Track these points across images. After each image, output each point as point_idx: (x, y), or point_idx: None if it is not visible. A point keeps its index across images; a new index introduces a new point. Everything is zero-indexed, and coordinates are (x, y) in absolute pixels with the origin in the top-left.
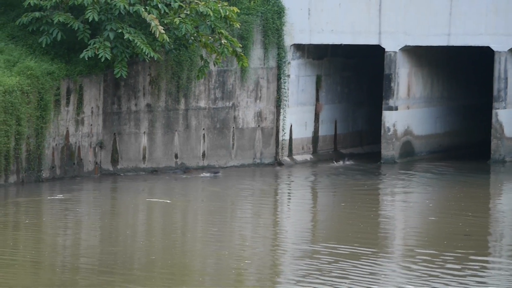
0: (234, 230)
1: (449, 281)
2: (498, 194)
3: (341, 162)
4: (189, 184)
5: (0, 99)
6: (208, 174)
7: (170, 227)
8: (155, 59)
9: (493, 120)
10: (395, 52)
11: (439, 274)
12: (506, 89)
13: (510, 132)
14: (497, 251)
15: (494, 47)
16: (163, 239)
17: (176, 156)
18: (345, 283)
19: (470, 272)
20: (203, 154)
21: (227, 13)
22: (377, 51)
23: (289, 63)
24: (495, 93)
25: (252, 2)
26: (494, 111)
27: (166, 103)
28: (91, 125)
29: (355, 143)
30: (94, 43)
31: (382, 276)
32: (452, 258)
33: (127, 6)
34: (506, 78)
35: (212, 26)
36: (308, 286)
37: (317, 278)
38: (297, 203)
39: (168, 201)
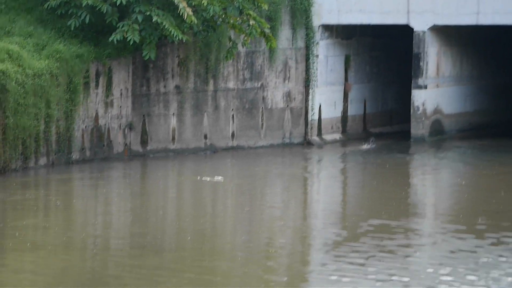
0: (266, 209)
1: (485, 256)
2: None
3: (367, 146)
4: (217, 163)
5: (30, 82)
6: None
7: (203, 207)
8: (184, 41)
9: None
10: (423, 32)
11: (474, 249)
12: None
13: None
14: None
15: None
16: (196, 220)
17: (205, 137)
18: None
19: (505, 247)
20: (232, 135)
21: None
22: (406, 30)
23: (317, 43)
24: None
25: None
26: None
27: (195, 84)
28: (120, 107)
29: (385, 122)
30: (122, 26)
31: (417, 251)
32: (487, 234)
33: None
34: None
35: (240, 8)
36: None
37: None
38: (328, 182)
39: (219, 178)
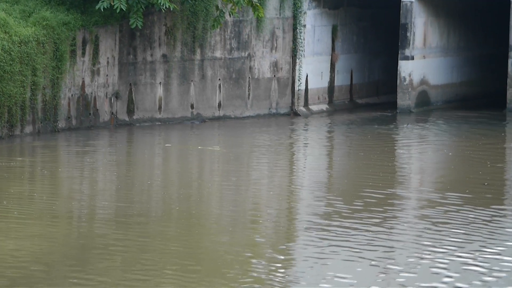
0: (253, 177)
1: (472, 230)
2: None
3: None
4: (204, 133)
5: (16, 49)
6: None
7: (189, 175)
8: (171, 9)
9: (509, 69)
10: (411, 2)
11: (459, 222)
12: None
13: None
14: None
15: None
16: (182, 189)
17: (192, 107)
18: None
19: (494, 219)
20: (219, 104)
21: None
22: (393, 0)
23: (305, 13)
24: (511, 42)
25: None
26: (510, 60)
27: (182, 53)
28: (107, 75)
29: (371, 93)
30: None
31: (403, 224)
32: (475, 205)
33: None
34: None
35: None
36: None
37: (338, 220)
38: (314, 152)
39: (217, 148)
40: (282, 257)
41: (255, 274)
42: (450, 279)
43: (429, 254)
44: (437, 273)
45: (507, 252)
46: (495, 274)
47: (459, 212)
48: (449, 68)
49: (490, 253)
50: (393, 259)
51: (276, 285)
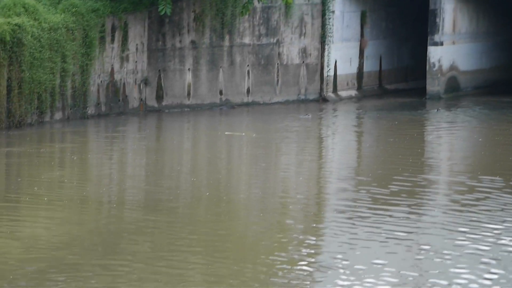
0: (282, 165)
1: (506, 214)
2: None
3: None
4: (232, 119)
5: (46, 36)
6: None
7: (218, 161)
8: None
9: None
10: None
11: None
12: None
13: None
14: None
15: None
16: (211, 175)
17: (220, 93)
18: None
19: None
20: (248, 91)
21: None
22: None
23: None
24: None
25: None
26: None
27: (211, 39)
28: (136, 62)
29: (400, 79)
30: None
31: (435, 208)
32: (506, 191)
33: None
34: None
35: None
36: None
37: (370, 205)
38: (344, 138)
39: (242, 134)
40: (314, 241)
41: (285, 257)
42: (488, 265)
43: (464, 240)
44: (474, 258)
45: None
46: None
47: (491, 197)
48: (478, 53)
49: None
50: (429, 244)
51: (309, 268)
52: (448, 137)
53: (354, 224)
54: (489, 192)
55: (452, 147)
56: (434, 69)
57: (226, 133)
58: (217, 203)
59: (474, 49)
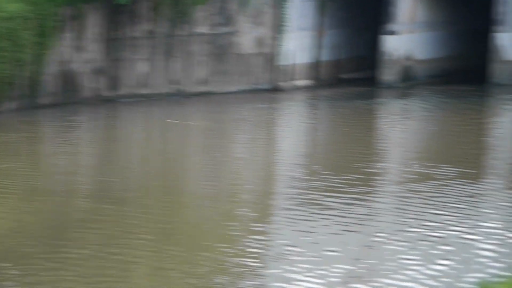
0: (233, 154)
1: (458, 202)
2: (498, 116)
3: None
4: (187, 109)
5: (1, 25)
6: None
7: (170, 151)
8: None
9: (493, 43)
10: None
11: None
12: (507, 13)
13: (510, 55)
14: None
15: None
16: (163, 164)
17: (176, 82)
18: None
19: (479, 192)
20: (203, 80)
21: None
22: None
23: None
24: (493, 16)
25: None
26: (494, 35)
27: (167, 29)
28: (92, 51)
29: (357, 68)
30: None
31: (388, 196)
32: (459, 178)
33: None
34: (508, 2)
35: None
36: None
37: (322, 194)
38: (296, 127)
39: (191, 123)
40: (265, 229)
41: (236, 246)
42: (439, 253)
43: (417, 227)
44: (426, 245)
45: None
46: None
47: (445, 185)
48: (435, 42)
49: (484, 227)
50: (381, 232)
51: (259, 257)
52: (401, 126)
53: (306, 212)
54: (442, 180)
55: (404, 135)
56: (389, 58)
57: (167, 121)
58: (168, 192)
59: (431, 38)
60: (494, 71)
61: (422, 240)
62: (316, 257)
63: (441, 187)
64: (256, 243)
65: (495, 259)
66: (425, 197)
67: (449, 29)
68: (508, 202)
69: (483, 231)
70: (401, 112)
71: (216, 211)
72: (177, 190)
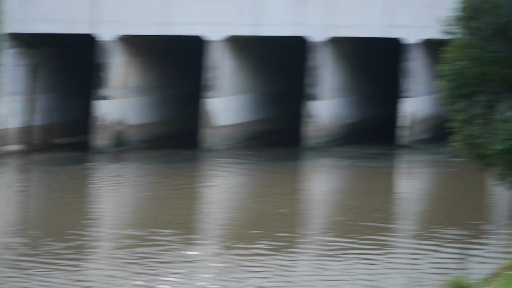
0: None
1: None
2: (209, 180)
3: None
4: None
5: None
6: None
7: None
8: None
9: (204, 109)
10: (108, 42)
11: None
12: (217, 79)
13: (220, 120)
14: None
15: (207, 37)
16: None
17: None
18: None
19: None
20: None
21: None
22: (94, 40)
23: (6, 51)
24: (206, 82)
25: None
26: (204, 100)
27: None
28: None
29: (70, 133)
30: None
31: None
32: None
33: None
34: (218, 67)
35: None
36: None
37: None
38: (6, 195)
39: None
40: None
41: None
42: None
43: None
44: None
45: None
46: None
47: (165, 249)
48: (147, 107)
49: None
50: None
51: None
52: (113, 191)
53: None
54: (162, 244)
55: (117, 200)
56: (101, 123)
57: None
58: None
59: (143, 103)
60: (205, 136)
61: None
62: None
63: (162, 251)
64: None
65: None
66: (143, 261)
67: (162, 94)
68: (221, 263)
69: None
70: (113, 177)
71: None
72: None
